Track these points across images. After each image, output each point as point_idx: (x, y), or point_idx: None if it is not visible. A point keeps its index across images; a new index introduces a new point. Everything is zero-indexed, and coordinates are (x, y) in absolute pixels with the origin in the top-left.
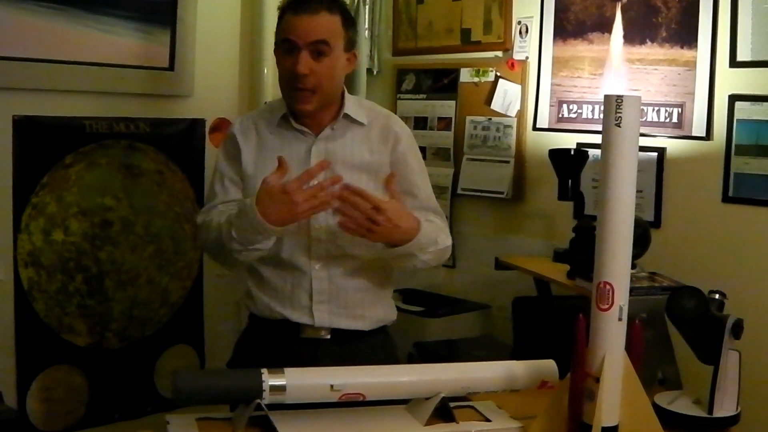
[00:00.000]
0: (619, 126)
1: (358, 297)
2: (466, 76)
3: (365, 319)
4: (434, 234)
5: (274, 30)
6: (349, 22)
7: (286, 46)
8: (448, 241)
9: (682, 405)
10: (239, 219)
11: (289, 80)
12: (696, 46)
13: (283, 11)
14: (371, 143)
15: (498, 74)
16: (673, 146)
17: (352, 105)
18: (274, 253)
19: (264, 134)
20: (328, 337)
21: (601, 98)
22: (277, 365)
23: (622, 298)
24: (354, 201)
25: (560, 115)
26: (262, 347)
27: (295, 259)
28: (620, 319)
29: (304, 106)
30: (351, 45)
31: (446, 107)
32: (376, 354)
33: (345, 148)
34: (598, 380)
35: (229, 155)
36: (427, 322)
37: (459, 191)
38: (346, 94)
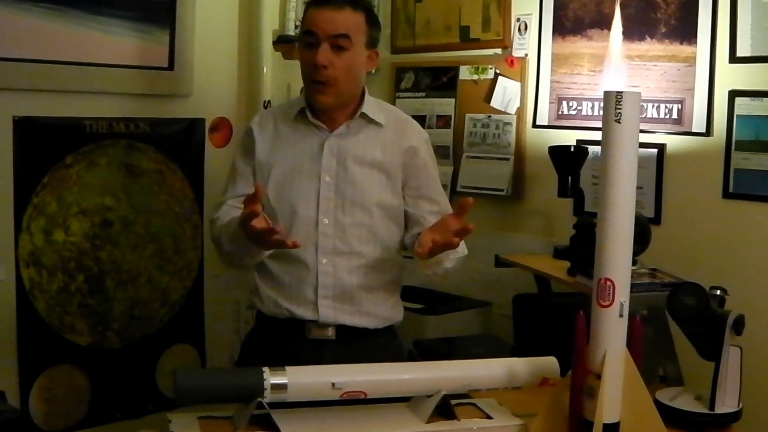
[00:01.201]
0: (619, 122)
1: (364, 294)
2: (465, 73)
3: (370, 317)
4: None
5: (273, 29)
6: (374, 21)
7: (307, 39)
8: (466, 250)
9: (683, 401)
10: (232, 234)
11: (309, 72)
12: (695, 42)
13: (309, 5)
14: (384, 144)
15: (497, 71)
16: (673, 142)
17: (372, 105)
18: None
19: (280, 126)
20: (333, 337)
21: (601, 95)
22: (283, 365)
23: (623, 294)
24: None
25: (560, 112)
26: (268, 347)
27: (302, 254)
28: (621, 316)
29: (322, 98)
30: (373, 43)
31: (445, 105)
32: (382, 354)
33: (357, 146)
34: (599, 377)
35: (243, 149)
36: (427, 319)
37: (458, 189)
38: (367, 94)
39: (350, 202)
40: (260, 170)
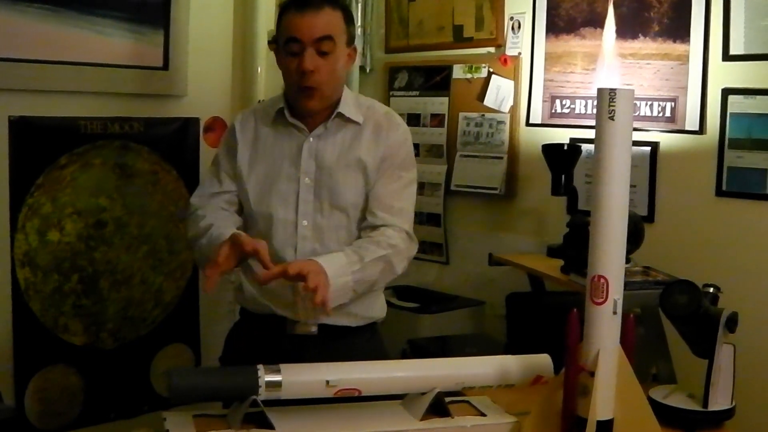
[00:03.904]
0: (613, 119)
1: None
2: (458, 72)
3: (350, 316)
4: (345, 259)
5: (267, 29)
6: (350, 17)
7: (291, 46)
8: (381, 252)
9: (676, 399)
10: (205, 250)
11: (295, 79)
12: (689, 40)
13: (284, 10)
14: (363, 142)
15: (490, 70)
16: (666, 141)
17: (349, 103)
18: None
19: (260, 129)
20: (316, 333)
21: (594, 93)
22: (264, 360)
23: (616, 291)
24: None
25: (553, 111)
26: (250, 342)
27: (282, 256)
28: (615, 313)
29: (310, 103)
30: (351, 40)
31: (439, 104)
32: (363, 350)
33: (336, 147)
34: (592, 374)
35: (227, 148)
36: (421, 318)
37: (452, 188)
38: (345, 91)
39: (328, 204)
40: (240, 174)
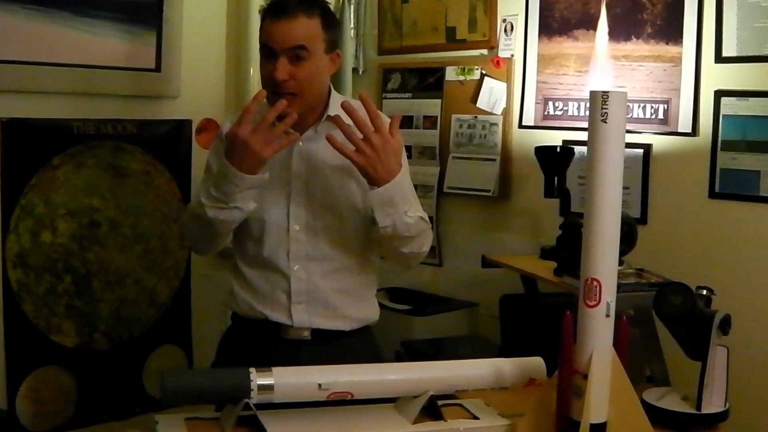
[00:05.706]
0: (605, 122)
1: (338, 297)
2: (451, 74)
3: (345, 319)
4: (413, 194)
5: (260, 31)
6: (330, 22)
7: (265, 52)
8: (425, 215)
9: (670, 401)
10: (215, 176)
11: (270, 85)
12: (681, 42)
13: (264, 16)
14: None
15: (483, 72)
16: (659, 142)
17: (338, 105)
18: (255, 252)
19: None
20: (309, 337)
21: (587, 95)
22: (258, 365)
23: (609, 294)
24: (346, 130)
25: (546, 113)
26: (243, 347)
27: (275, 260)
28: (608, 316)
29: (287, 110)
30: (333, 46)
31: (432, 106)
32: (358, 354)
33: (327, 150)
34: (585, 377)
35: (218, 154)
36: (414, 320)
37: (445, 190)
38: (333, 94)
39: (321, 206)
40: None
